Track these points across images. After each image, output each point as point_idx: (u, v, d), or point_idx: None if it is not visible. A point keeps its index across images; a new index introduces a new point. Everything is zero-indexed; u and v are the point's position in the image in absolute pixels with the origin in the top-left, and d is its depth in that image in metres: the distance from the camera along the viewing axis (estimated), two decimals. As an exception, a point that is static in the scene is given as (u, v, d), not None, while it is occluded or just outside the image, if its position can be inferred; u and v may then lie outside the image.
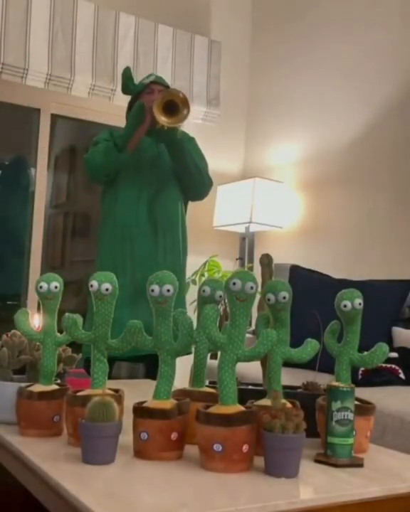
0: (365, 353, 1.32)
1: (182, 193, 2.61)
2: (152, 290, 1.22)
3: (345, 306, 1.29)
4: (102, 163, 2.48)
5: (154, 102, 2.36)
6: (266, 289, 1.27)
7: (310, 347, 1.27)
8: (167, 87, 2.61)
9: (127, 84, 2.57)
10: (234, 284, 1.14)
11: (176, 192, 2.58)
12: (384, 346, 1.31)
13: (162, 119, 2.34)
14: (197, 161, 2.54)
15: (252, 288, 1.14)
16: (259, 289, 1.19)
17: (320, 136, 3.51)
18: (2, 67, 3.13)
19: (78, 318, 1.32)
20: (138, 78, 2.71)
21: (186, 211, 2.68)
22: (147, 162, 2.56)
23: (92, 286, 1.28)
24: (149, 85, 2.57)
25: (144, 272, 2.41)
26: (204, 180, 2.59)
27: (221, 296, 1.35)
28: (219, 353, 1.16)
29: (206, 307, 1.18)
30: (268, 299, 1.26)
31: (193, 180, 2.57)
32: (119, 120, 2.66)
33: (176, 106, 2.35)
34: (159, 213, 2.51)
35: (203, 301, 1.36)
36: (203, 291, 1.36)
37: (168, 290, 1.21)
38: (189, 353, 1.34)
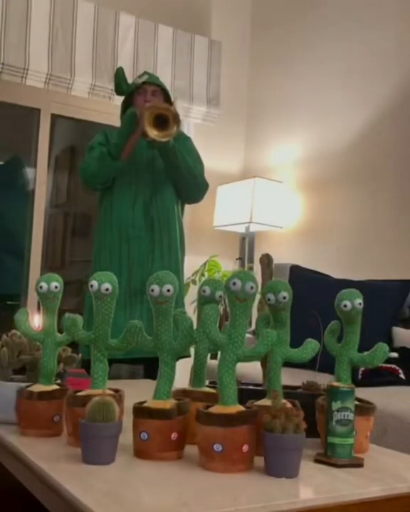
0: (365, 353, 1.32)
1: (178, 194, 2.60)
2: (152, 290, 1.22)
3: (345, 306, 1.29)
4: (97, 173, 2.47)
5: (144, 113, 2.32)
6: (266, 289, 1.27)
7: (310, 347, 1.27)
8: (160, 85, 2.59)
9: (120, 84, 2.56)
10: (234, 284, 1.14)
11: (172, 192, 2.56)
12: (384, 346, 1.31)
13: (153, 133, 2.32)
14: (191, 166, 2.51)
15: (252, 288, 1.14)
16: (259, 289, 1.19)
17: (320, 136, 3.51)
18: (2, 67, 3.13)
19: (78, 318, 1.32)
20: (136, 78, 2.70)
21: (182, 212, 2.67)
22: (143, 163, 2.54)
23: (92, 286, 1.28)
24: (141, 86, 2.55)
25: (141, 273, 2.41)
26: (198, 184, 2.57)
27: (221, 296, 1.35)
28: (219, 353, 1.16)
29: (206, 307, 1.18)
30: (268, 299, 1.26)
31: (187, 184, 2.55)
32: (119, 120, 2.66)
33: (166, 120, 2.32)
34: (155, 214, 2.51)
35: (203, 301, 1.36)
36: (203, 291, 1.36)
37: (168, 290, 1.21)
38: (188, 355, 1.34)
